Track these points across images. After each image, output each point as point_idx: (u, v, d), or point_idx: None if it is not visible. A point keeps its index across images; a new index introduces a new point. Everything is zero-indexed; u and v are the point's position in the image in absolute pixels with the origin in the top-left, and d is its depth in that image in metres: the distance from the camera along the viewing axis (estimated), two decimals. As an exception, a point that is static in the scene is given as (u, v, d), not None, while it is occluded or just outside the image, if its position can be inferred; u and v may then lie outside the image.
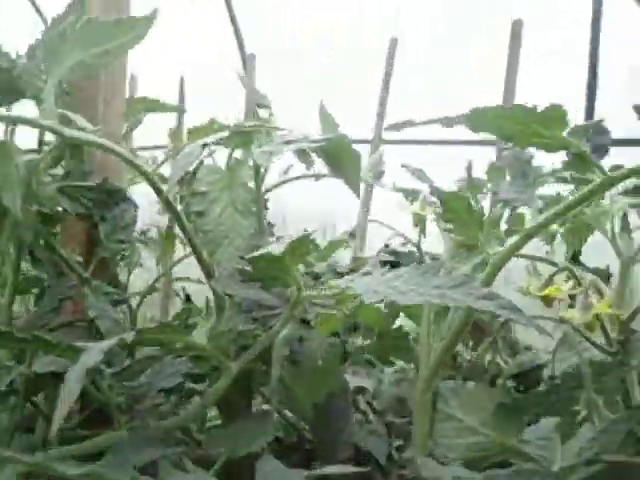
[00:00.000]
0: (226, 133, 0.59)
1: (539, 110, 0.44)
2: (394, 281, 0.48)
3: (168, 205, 0.61)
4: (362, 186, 0.77)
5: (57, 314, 0.55)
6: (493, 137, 0.51)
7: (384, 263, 0.79)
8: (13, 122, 0.33)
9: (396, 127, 0.44)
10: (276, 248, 0.43)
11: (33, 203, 0.40)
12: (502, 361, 0.49)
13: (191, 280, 1.05)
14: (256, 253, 0.44)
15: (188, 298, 1.08)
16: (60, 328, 0.56)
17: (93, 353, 0.35)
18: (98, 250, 0.64)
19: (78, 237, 0.67)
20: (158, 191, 0.58)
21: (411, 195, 0.77)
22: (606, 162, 0.58)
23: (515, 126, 0.44)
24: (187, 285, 1.07)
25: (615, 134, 0.71)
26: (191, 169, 0.65)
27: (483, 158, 0.80)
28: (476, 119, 0.44)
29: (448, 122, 0.45)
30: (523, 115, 0.44)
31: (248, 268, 0.49)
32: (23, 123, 0.33)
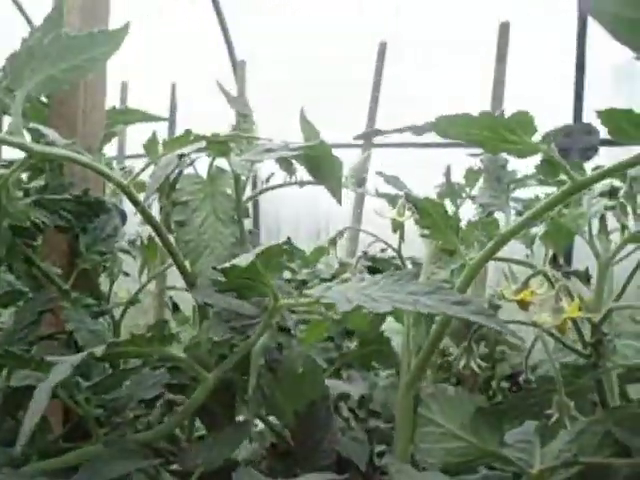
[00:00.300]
0: (202, 144, 0.60)
1: (506, 116, 0.45)
2: (369, 288, 0.49)
3: (145, 215, 0.61)
4: (353, 190, 0.78)
5: (36, 327, 0.55)
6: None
7: (368, 269, 0.79)
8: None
9: (365, 136, 0.44)
10: (245, 259, 0.43)
11: (4, 218, 0.40)
12: (476, 365, 0.49)
13: (179, 289, 1.05)
14: (227, 264, 0.44)
15: (176, 307, 1.08)
16: (40, 341, 0.56)
17: (63, 368, 0.35)
18: (79, 262, 0.64)
19: (59, 249, 0.67)
20: (135, 202, 0.58)
21: (393, 200, 0.78)
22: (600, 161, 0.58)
23: (483, 132, 0.45)
24: (177, 294, 1.07)
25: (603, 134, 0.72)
26: (170, 179, 0.66)
27: (471, 161, 0.80)
28: (444, 126, 0.44)
29: (418, 130, 0.46)
30: (490, 122, 0.44)
31: (223, 279, 0.49)
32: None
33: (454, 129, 0.45)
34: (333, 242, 0.68)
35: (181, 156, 0.58)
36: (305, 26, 2.57)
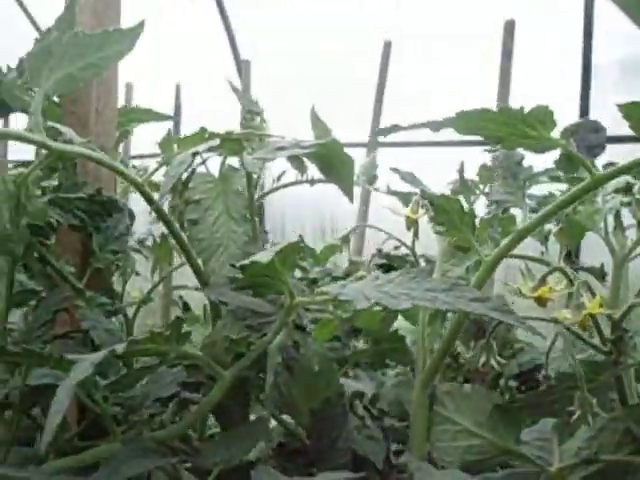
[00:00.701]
0: (217, 142, 0.60)
1: (525, 111, 0.44)
2: (385, 286, 0.48)
3: (160, 214, 0.61)
4: (360, 188, 0.77)
5: (51, 326, 0.55)
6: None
7: (380, 267, 0.79)
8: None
9: (384, 132, 0.44)
10: (265, 255, 0.43)
11: (23, 216, 0.40)
12: (496, 362, 0.49)
13: (189, 288, 1.05)
14: (245, 261, 0.44)
15: (186, 306, 1.08)
16: (55, 340, 0.56)
17: (84, 366, 0.35)
18: (92, 261, 0.64)
19: (72, 248, 0.67)
20: (149, 200, 0.58)
21: (405, 198, 0.77)
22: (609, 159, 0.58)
23: (502, 128, 0.44)
24: (187, 293, 1.07)
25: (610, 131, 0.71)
26: (183, 178, 0.66)
27: (479, 159, 0.80)
28: (463, 122, 0.44)
29: (435, 126, 0.45)
30: (509, 117, 0.44)
31: (239, 276, 0.49)
32: (10, 138, 0.33)
33: (472, 125, 0.45)
34: (346, 240, 0.68)
35: (195, 154, 0.58)
36: (305, 20, 2.56)
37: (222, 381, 0.48)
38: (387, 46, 2.50)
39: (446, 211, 0.55)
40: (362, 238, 1.65)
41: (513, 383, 0.74)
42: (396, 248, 0.69)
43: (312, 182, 0.84)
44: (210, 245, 0.67)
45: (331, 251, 0.79)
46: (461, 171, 0.68)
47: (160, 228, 0.85)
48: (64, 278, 0.59)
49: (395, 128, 0.44)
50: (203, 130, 0.55)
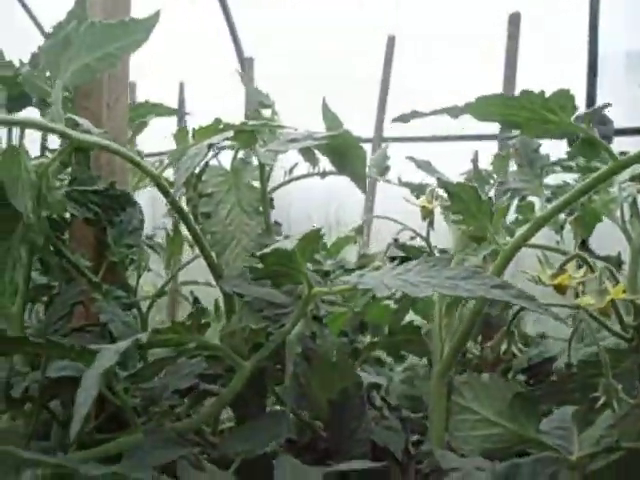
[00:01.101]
0: (231, 133, 0.59)
1: (546, 96, 0.44)
2: (404, 274, 0.48)
3: (175, 207, 0.61)
4: (376, 179, 0.77)
5: (69, 319, 0.55)
6: (491, 131, 0.51)
7: (392, 259, 0.78)
8: (23, 126, 0.33)
9: (403, 118, 0.43)
10: (287, 243, 0.43)
11: (43, 208, 0.40)
12: (517, 350, 0.48)
13: (198, 283, 1.05)
14: (267, 250, 0.44)
15: (196, 301, 1.08)
16: (72, 333, 0.56)
17: (108, 355, 0.35)
18: (107, 254, 0.64)
19: (87, 242, 0.67)
20: (165, 193, 0.58)
21: (417, 189, 0.77)
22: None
23: (522, 113, 0.44)
24: (196, 289, 1.07)
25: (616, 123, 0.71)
26: (197, 171, 0.65)
27: (483, 152, 0.79)
28: (482, 108, 0.43)
29: (454, 112, 0.45)
30: (530, 102, 0.44)
31: (258, 266, 0.49)
32: (33, 127, 0.33)
33: (491, 111, 0.44)
34: (360, 231, 0.68)
35: (210, 146, 0.58)
36: (305, 20, 2.56)
37: (242, 371, 0.48)
38: (391, 40, 2.49)
39: (462, 200, 0.55)
40: (368, 231, 1.65)
41: (521, 377, 0.74)
42: (411, 239, 0.69)
43: (323, 174, 0.83)
44: (223, 238, 0.67)
45: (344, 243, 0.78)
46: (475, 160, 0.67)
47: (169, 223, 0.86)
48: (80, 272, 0.59)
49: (413, 114, 0.43)
50: (217, 121, 0.54)
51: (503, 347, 0.49)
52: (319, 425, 0.62)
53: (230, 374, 0.52)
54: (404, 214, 0.77)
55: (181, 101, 2.93)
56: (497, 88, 1.95)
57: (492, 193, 0.67)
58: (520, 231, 0.52)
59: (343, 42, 2.40)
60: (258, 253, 0.45)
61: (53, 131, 0.35)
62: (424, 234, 0.69)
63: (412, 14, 2.37)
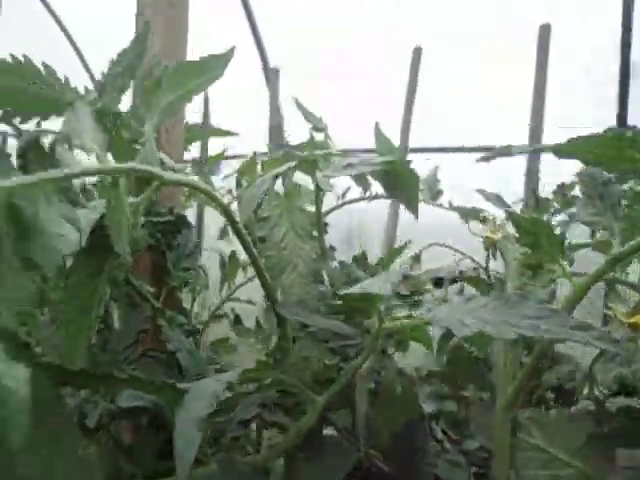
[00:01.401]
0: (294, 162, 0.60)
1: (629, 135, 0.43)
2: (478, 311, 0.47)
3: (239, 235, 0.61)
4: (428, 203, 0.76)
5: (137, 347, 0.55)
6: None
7: (436, 283, 0.78)
8: (121, 173, 0.33)
9: (487, 158, 0.43)
10: (374, 287, 0.42)
11: (131, 245, 0.41)
12: (600, 392, 0.47)
13: (240, 301, 1.06)
14: (350, 290, 0.44)
15: (237, 319, 1.09)
16: (139, 360, 0.57)
17: (204, 400, 0.35)
18: (169, 280, 0.64)
19: (144, 268, 0.68)
20: (232, 222, 0.58)
21: (467, 215, 0.77)
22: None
23: (607, 152, 0.43)
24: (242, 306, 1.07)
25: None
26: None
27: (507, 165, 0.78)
28: (567, 148, 0.43)
29: (534, 150, 0.45)
30: (614, 141, 0.43)
31: (335, 302, 0.48)
32: (134, 173, 0.33)
33: (576, 150, 0.44)
34: (417, 259, 0.67)
35: (276, 176, 0.58)
36: (305, 20, 2.57)
37: (315, 406, 0.47)
38: (417, 52, 2.48)
39: (532, 233, 0.54)
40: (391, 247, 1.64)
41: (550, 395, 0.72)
42: (475, 269, 0.68)
43: (374, 198, 0.84)
44: (279, 262, 0.67)
45: (396, 255, 0.78)
46: (534, 190, 0.66)
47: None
48: (144, 298, 0.59)
49: (503, 150, 0.43)
50: (287, 155, 0.55)
51: (585, 390, 0.48)
52: (376, 454, 0.62)
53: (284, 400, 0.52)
54: (425, 227, 0.76)
55: (206, 116, 2.96)
56: (503, 89, 1.92)
57: (553, 222, 0.67)
58: (595, 267, 0.51)
59: (343, 41, 2.40)
60: (339, 293, 0.45)
61: (145, 173, 0.35)
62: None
63: (411, 13, 2.35)
